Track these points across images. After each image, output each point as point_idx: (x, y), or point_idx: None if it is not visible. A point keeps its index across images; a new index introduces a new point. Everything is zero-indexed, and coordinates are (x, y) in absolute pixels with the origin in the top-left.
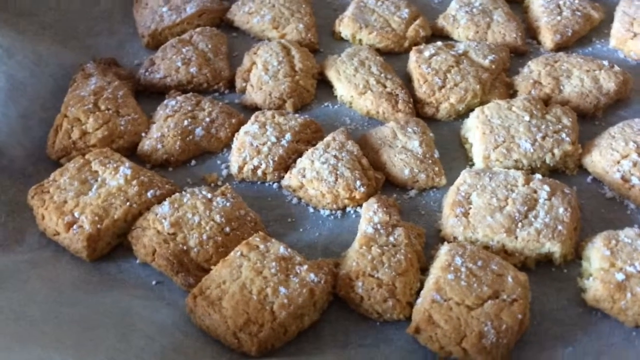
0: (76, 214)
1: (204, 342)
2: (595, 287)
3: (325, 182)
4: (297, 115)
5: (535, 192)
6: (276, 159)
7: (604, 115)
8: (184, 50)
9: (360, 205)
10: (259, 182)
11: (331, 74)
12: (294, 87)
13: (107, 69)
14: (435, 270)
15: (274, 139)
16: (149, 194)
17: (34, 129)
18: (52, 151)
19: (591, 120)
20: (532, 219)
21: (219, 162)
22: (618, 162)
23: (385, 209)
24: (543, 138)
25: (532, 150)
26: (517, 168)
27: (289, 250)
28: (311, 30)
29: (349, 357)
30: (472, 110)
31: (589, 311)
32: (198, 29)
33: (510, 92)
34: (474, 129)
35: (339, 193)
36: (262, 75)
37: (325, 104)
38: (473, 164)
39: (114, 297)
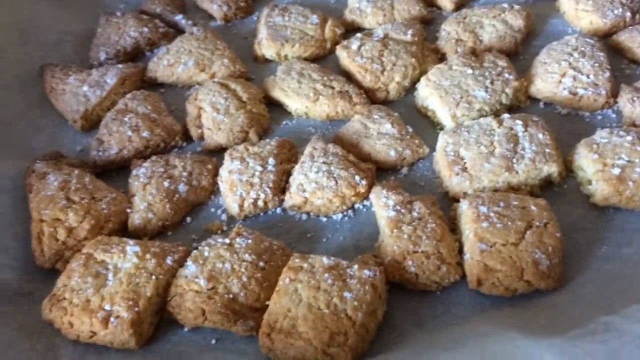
0: (107, 307)
1: None
2: (600, 188)
3: (327, 189)
4: (267, 140)
5: (511, 128)
6: (271, 184)
7: (523, 50)
8: (126, 119)
9: (366, 199)
10: (261, 214)
11: (277, 94)
12: (250, 116)
13: (57, 163)
14: (467, 225)
15: (259, 168)
16: (168, 262)
17: (11, 247)
18: (44, 260)
19: (515, 57)
20: (522, 152)
21: (212, 209)
22: (560, 82)
23: (393, 191)
24: (492, 83)
25: (488, 96)
26: (481, 116)
27: (332, 258)
28: (236, 62)
29: (431, 330)
30: (415, 83)
31: (602, 211)
32: (129, 96)
33: (439, 57)
34: (429, 97)
35: (344, 193)
36: (215, 115)
37: (283, 122)
38: (442, 127)
39: None
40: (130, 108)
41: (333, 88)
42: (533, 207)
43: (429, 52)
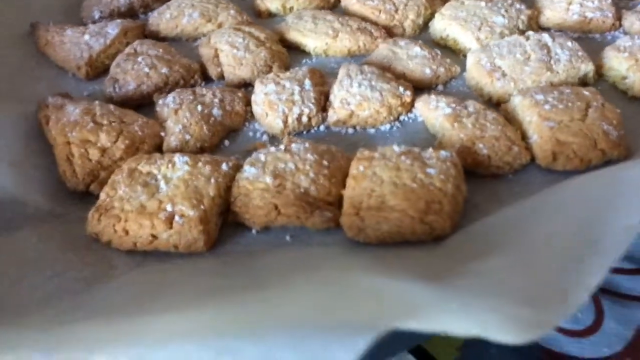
0: (168, 208)
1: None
2: (638, 79)
3: (373, 100)
4: (296, 68)
5: (540, 40)
6: (313, 101)
7: None
8: (139, 59)
9: (410, 111)
10: (304, 132)
11: (293, 35)
12: (272, 52)
13: (74, 98)
14: (527, 112)
15: (297, 88)
16: (223, 167)
17: (35, 176)
18: (77, 181)
19: None
20: (556, 56)
21: (250, 133)
22: (568, 9)
23: (440, 96)
24: (506, 11)
25: (507, 22)
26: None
27: (402, 145)
28: (242, 13)
29: (510, 203)
30: (427, 22)
31: None
32: (136, 42)
33: (443, 2)
34: (447, 28)
35: (391, 103)
36: (236, 52)
37: (303, 61)
38: (465, 54)
39: (277, 265)
40: (141, 51)
41: (350, 26)
42: (585, 92)
43: None
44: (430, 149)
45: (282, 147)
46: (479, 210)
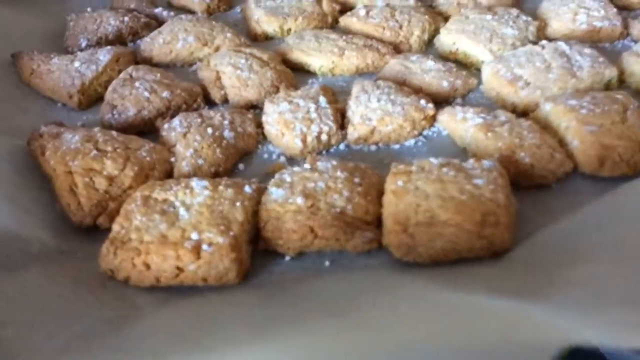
0: (193, 236)
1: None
2: None
3: (396, 114)
4: (307, 87)
5: (557, 48)
6: (331, 118)
7: (523, 6)
8: (137, 84)
9: (432, 125)
10: (324, 152)
11: (296, 55)
12: (278, 72)
13: (69, 127)
14: (564, 117)
15: (313, 105)
16: (247, 190)
17: (34, 210)
18: (83, 214)
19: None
20: (578, 63)
21: (265, 156)
22: (575, 19)
23: (465, 107)
24: (514, 23)
25: (517, 33)
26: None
27: (439, 158)
28: (240, 36)
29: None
30: (432, 39)
31: None
32: (130, 69)
33: (444, 19)
34: (457, 41)
35: (414, 117)
36: (240, 73)
37: (309, 81)
38: (477, 67)
39: (333, 291)
40: (137, 77)
41: (356, 43)
42: (618, 96)
43: (433, 15)
44: (472, 160)
45: (307, 166)
46: (530, 222)
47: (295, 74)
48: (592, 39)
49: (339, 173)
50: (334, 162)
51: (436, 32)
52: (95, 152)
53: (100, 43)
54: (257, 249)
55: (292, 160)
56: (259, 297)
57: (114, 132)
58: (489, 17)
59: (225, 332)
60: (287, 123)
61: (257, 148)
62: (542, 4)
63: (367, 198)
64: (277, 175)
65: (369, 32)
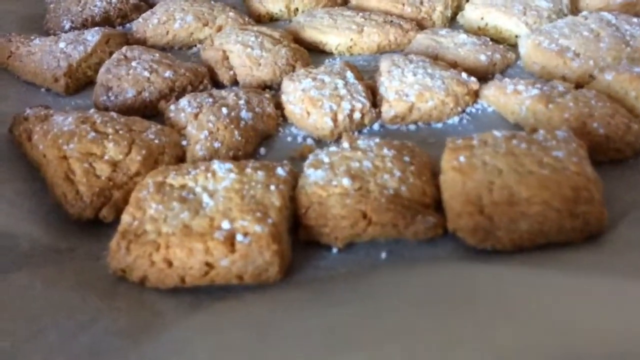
0: (224, 225)
1: None
2: None
3: (436, 88)
4: (328, 62)
5: (601, 19)
6: (363, 94)
7: None
8: (134, 64)
9: (475, 102)
10: (356, 132)
11: (310, 33)
12: (292, 50)
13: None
14: (631, 86)
15: (340, 82)
16: (280, 173)
17: (18, 201)
18: (82, 205)
19: None
20: (629, 32)
21: (289, 139)
22: None
23: (515, 79)
24: None
25: (551, 5)
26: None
27: (502, 131)
28: (242, 16)
29: None
30: (455, 16)
31: None
32: (124, 48)
33: None
34: (486, 15)
35: (457, 92)
36: (251, 52)
37: (325, 62)
38: (511, 42)
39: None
40: (132, 57)
41: (375, 20)
42: None
43: None
44: (542, 131)
45: (345, 145)
46: (617, 200)
47: (309, 54)
48: (628, 13)
49: (385, 151)
50: (377, 140)
51: (458, 8)
52: (93, 134)
53: (85, 26)
54: (296, 241)
55: (321, 143)
56: (314, 297)
57: (113, 113)
58: None
59: (298, 341)
60: (314, 101)
61: (277, 131)
62: None
63: (422, 178)
64: (311, 157)
65: (387, 9)
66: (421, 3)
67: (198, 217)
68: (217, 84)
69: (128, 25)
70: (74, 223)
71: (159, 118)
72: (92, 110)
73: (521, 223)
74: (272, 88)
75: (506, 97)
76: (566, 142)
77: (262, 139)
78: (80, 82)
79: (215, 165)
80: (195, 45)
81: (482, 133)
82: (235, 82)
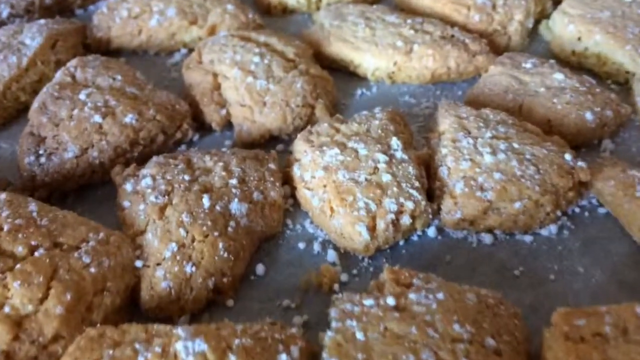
0: None
1: None
2: None
3: (528, 181)
4: (363, 112)
5: None
6: (417, 183)
7: None
8: (81, 96)
9: (582, 196)
10: (401, 241)
11: (338, 47)
12: (312, 79)
13: None
14: None
15: (382, 157)
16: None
17: None
18: None
19: None
20: None
21: (301, 244)
22: None
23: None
24: None
25: None
26: None
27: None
28: (245, 8)
29: None
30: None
31: None
32: (73, 62)
33: None
34: (586, 36)
35: (557, 186)
36: (253, 82)
37: (358, 92)
38: (617, 78)
39: None
40: (82, 80)
41: (430, 33)
42: None
43: None
44: None
45: (389, 300)
46: None
47: (332, 75)
48: None
49: (456, 327)
50: (441, 295)
51: (542, 14)
52: None
53: (30, 11)
54: None
55: (348, 259)
56: None
57: (32, 203)
58: None
59: None
60: (342, 193)
61: (285, 226)
62: None
63: None
64: (333, 320)
65: (445, 13)
66: (494, 8)
67: None
68: (203, 125)
69: (91, 7)
70: None
71: (107, 190)
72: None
73: None
74: (279, 139)
75: (634, 203)
76: None
77: (260, 242)
78: (8, 111)
79: (178, 344)
80: (179, 50)
81: (619, 306)
82: (227, 125)
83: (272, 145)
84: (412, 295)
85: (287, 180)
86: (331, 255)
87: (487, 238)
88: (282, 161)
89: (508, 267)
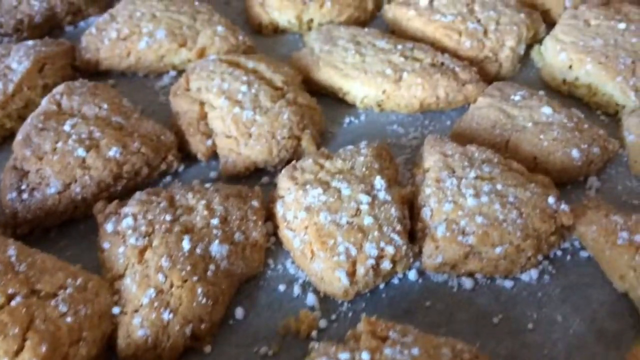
0: None
1: None
2: None
3: (510, 226)
4: (349, 147)
5: None
6: (398, 226)
7: None
8: (66, 128)
9: (564, 239)
10: (381, 285)
11: (327, 73)
12: (298, 110)
13: None
14: None
15: (365, 197)
16: None
17: None
18: None
19: None
20: None
21: (281, 286)
22: None
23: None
24: None
25: None
26: None
27: None
28: (236, 30)
29: None
30: (530, 48)
31: None
32: (59, 89)
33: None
34: (577, 64)
35: (539, 231)
36: (240, 113)
37: (345, 121)
38: (607, 109)
39: None
40: (68, 109)
41: (420, 60)
42: None
43: (527, 9)
44: None
45: (365, 356)
46: None
47: (320, 101)
48: None
49: None
50: (415, 351)
51: (534, 39)
52: None
53: (20, 30)
54: None
55: (327, 300)
56: None
57: (10, 247)
58: (622, 25)
59: None
60: (323, 236)
61: (266, 266)
62: None
63: None
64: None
65: (435, 37)
66: (485, 34)
67: None
68: (188, 155)
69: (82, 24)
70: None
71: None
72: None
73: None
74: (265, 170)
75: (615, 251)
76: None
77: (240, 284)
78: None
79: None
80: (168, 72)
81: None
82: (213, 155)
83: (258, 177)
84: (387, 351)
85: (270, 216)
86: (310, 299)
87: (467, 282)
88: (266, 194)
89: (487, 314)
